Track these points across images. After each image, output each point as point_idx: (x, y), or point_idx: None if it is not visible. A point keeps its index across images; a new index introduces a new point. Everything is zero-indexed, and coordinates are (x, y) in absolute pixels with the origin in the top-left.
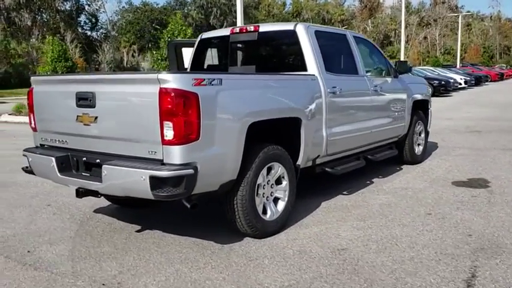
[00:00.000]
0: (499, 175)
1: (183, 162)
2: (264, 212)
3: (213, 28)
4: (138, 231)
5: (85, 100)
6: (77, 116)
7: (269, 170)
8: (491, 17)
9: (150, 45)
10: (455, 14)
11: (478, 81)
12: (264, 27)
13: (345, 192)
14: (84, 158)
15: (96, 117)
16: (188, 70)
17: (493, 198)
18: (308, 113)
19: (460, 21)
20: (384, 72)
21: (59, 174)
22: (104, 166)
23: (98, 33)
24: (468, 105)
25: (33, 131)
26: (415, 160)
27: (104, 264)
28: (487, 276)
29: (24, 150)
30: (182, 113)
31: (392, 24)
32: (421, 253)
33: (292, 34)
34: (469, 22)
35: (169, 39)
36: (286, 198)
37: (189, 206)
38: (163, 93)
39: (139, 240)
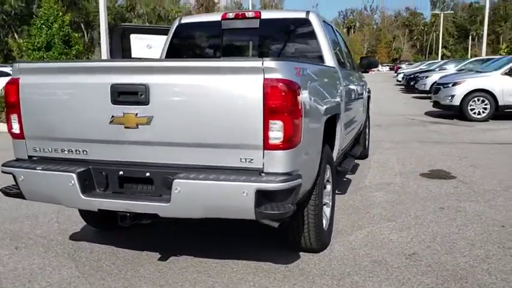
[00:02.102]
0: (450, 165)
1: (289, 170)
2: None
3: None
4: (161, 259)
5: (130, 95)
6: (112, 116)
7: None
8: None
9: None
10: None
11: None
12: (268, 14)
13: (338, 192)
14: (121, 172)
15: (150, 118)
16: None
17: (476, 188)
18: (341, 107)
19: None
20: (355, 66)
21: (82, 196)
22: (176, 181)
23: None
24: None
25: (16, 138)
26: (366, 154)
27: None
28: None
29: (4, 166)
30: (291, 110)
31: None
32: (488, 249)
33: (305, 23)
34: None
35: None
36: (330, 204)
37: (276, 225)
38: (269, 85)
39: (189, 271)
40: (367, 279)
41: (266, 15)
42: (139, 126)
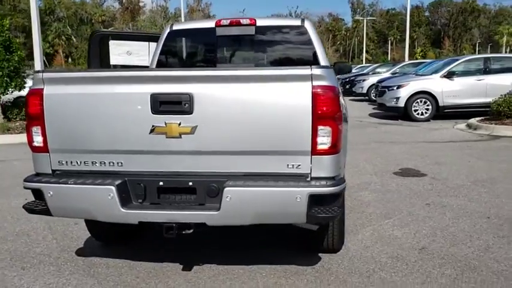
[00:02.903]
0: (416, 164)
1: (335, 174)
2: None
3: None
4: (185, 269)
5: (173, 104)
6: (153, 126)
7: None
8: None
9: None
10: None
11: None
12: (263, 21)
13: None
14: (161, 183)
15: (194, 127)
16: (153, 67)
17: (449, 184)
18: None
19: None
20: None
21: (122, 209)
22: (227, 189)
23: None
24: None
25: (38, 152)
26: None
27: None
28: None
29: (29, 181)
30: (337, 116)
31: (153, 28)
32: (486, 240)
33: (301, 30)
34: None
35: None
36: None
37: (315, 229)
38: (318, 92)
39: (220, 279)
40: (393, 275)
41: (261, 22)
42: (182, 136)
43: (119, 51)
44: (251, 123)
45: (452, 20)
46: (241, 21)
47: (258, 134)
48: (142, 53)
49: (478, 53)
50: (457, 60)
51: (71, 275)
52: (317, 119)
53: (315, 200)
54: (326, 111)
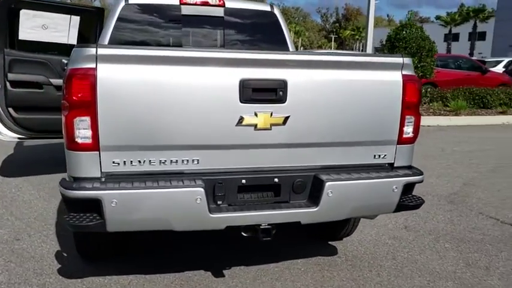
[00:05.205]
0: None
1: (411, 163)
2: None
3: None
4: (216, 275)
5: (266, 92)
6: (241, 117)
7: None
8: None
9: None
10: None
11: None
12: (232, 3)
13: None
14: (243, 181)
15: (286, 117)
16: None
17: None
18: None
19: None
20: None
21: (210, 215)
22: (329, 184)
23: None
24: None
25: (81, 150)
26: None
27: None
28: None
29: (81, 189)
30: (418, 105)
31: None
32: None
33: (271, 15)
34: None
35: None
36: None
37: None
38: (407, 81)
39: (265, 281)
40: (421, 252)
41: (231, 4)
42: (272, 127)
43: (32, 24)
44: (343, 112)
45: None
46: (210, 1)
47: (349, 124)
48: (62, 28)
49: None
50: None
51: None
52: (405, 108)
53: (406, 189)
54: (413, 100)
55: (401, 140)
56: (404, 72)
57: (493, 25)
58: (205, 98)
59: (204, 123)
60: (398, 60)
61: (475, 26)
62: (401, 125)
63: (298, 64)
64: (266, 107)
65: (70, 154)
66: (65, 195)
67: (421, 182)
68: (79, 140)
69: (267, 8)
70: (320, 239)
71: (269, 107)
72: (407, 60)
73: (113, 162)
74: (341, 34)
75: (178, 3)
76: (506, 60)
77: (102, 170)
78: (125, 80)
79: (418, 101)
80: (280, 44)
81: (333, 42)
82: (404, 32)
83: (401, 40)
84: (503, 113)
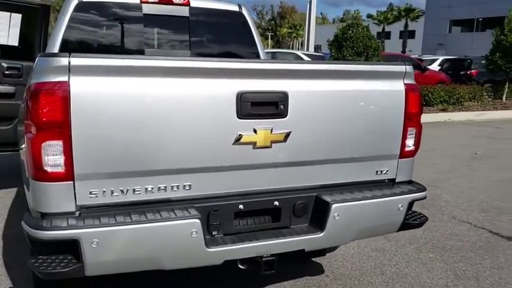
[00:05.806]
0: None
1: (411, 178)
2: None
3: None
4: None
5: (266, 106)
6: (239, 134)
7: None
8: None
9: None
10: None
11: None
12: (198, 3)
13: None
14: (241, 206)
15: (287, 133)
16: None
17: None
18: None
19: None
20: None
21: (207, 249)
22: (335, 206)
23: None
24: None
25: (52, 181)
26: None
27: None
28: None
29: (57, 229)
30: (420, 115)
31: None
32: None
33: (239, 16)
34: None
35: None
36: None
37: None
38: (409, 90)
39: None
40: (408, 265)
41: (196, 3)
42: (273, 144)
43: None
44: (345, 126)
45: None
46: (174, 0)
47: (352, 138)
48: (1, 26)
49: None
50: None
51: None
52: (407, 119)
53: (411, 206)
54: (415, 110)
55: (403, 154)
56: (406, 81)
57: (423, 24)
58: (199, 114)
59: (197, 143)
60: (401, 68)
61: (406, 25)
62: (404, 137)
63: (300, 74)
64: (266, 123)
65: (36, 185)
66: (33, 236)
67: (425, 198)
68: (48, 169)
69: (235, 8)
70: (303, 255)
71: (269, 122)
72: (409, 68)
73: (90, 193)
74: (278, 32)
75: (138, 1)
76: (441, 58)
77: (77, 203)
78: (104, 95)
79: (420, 111)
80: (249, 46)
81: (269, 40)
82: (350, 32)
83: (348, 39)
84: (444, 110)
